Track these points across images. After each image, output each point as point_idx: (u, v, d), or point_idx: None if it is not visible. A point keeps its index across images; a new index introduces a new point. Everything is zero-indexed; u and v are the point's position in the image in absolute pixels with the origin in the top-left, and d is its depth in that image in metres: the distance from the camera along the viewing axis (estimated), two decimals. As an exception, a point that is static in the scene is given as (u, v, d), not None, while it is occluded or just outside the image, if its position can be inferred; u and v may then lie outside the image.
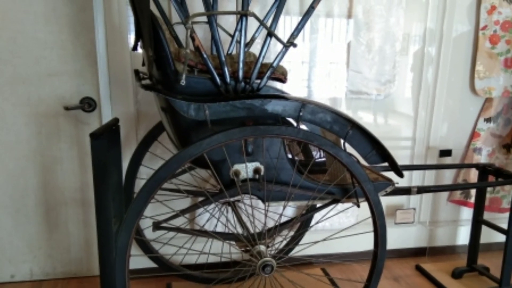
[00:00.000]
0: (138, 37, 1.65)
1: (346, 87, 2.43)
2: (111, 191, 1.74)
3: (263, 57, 1.48)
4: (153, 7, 1.44)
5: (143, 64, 1.75)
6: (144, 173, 2.15)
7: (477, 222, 2.36)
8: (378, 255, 1.66)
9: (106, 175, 1.67)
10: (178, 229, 1.66)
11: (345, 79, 2.42)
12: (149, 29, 1.41)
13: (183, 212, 1.59)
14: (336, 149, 1.53)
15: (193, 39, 1.40)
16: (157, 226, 1.59)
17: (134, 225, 1.42)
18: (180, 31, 1.56)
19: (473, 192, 2.59)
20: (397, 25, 2.35)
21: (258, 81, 1.53)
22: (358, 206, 1.70)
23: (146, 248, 2.20)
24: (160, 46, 1.43)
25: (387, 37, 2.36)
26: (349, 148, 1.61)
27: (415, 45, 2.51)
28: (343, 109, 2.46)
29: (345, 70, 2.41)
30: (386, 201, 2.10)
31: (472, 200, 2.53)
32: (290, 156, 1.76)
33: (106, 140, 1.67)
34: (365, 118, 2.54)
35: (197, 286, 2.22)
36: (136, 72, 1.80)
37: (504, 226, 2.18)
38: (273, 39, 1.46)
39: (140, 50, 1.72)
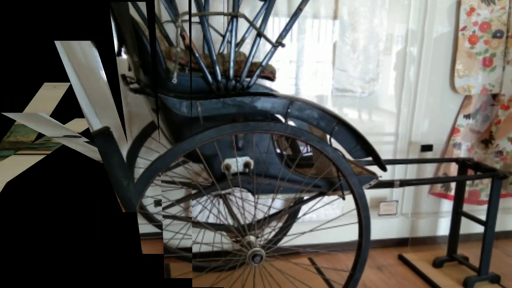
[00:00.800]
0: (120, 43, 1.60)
1: (332, 85, 2.46)
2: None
3: (253, 56, 1.50)
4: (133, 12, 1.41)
5: (130, 69, 1.74)
6: (139, 168, 2.14)
7: (457, 214, 2.39)
8: (363, 245, 1.70)
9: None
10: (174, 217, 1.71)
11: (331, 77, 2.45)
12: (131, 35, 1.41)
13: (178, 201, 1.63)
14: (323, 144, 1.57)
15: (183, 38, 1.41)
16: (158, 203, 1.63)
17: (131, 216, 1.44)
18: (172, 30, 1.55)
19: (453, 185, 2.61)
20: (380, 26, 2.38)
21: (248, 79, 1.55)
22: (344, 198, 1.73)
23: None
24: (144, 51, 1.43)
25: (371, 37, 2.39)
26: (335, 143, 1.64)
27: (397, 45, 2.54)
28: (329, 106, 2.49)
29: (331, 69, 2.44)
30: (370, 193, 2.11)
31: (452, 192, 2.55)
32: (278, 150, 1.78)
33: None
34: (350, 115, 2.56)
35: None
36: (124, 77, 1.77)
37: (483, 217, 2.22)
38: (263, 39, 1.49)
39: (124, 56, 1.67)
